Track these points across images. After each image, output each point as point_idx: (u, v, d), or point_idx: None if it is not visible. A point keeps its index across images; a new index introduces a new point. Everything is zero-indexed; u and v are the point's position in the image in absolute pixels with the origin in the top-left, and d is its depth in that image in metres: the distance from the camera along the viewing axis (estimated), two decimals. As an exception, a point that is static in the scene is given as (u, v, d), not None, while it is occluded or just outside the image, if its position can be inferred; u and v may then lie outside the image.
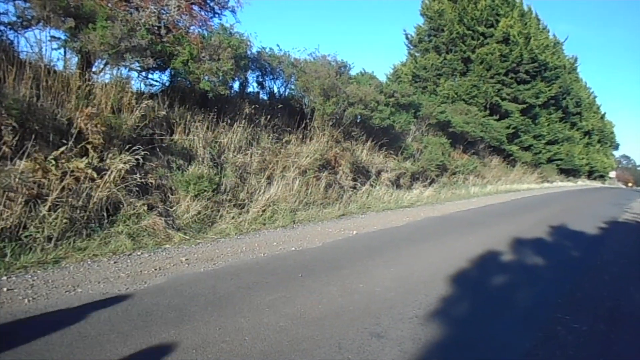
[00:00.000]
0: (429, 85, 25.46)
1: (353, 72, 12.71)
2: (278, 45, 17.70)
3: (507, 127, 25.06)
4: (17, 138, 5.44)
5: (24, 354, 2.96)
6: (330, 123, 10.78)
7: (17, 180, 5.20)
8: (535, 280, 6.12)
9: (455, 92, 24.63)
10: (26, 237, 5.07)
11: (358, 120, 12.15)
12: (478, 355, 3.64)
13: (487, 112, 24.64)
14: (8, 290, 4.05)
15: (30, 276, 4.44)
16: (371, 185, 11.93)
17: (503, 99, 25.36)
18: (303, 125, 10.54)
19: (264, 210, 8.21)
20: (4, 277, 4.34)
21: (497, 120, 24.65)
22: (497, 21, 25.31)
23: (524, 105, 26.18)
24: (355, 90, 11.08)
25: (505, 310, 4.78)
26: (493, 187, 20.48)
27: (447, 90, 24.79)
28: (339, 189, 10.64)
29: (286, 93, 10.96)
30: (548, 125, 30.32)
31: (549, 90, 27.57)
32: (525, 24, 27.30)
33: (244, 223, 7.56)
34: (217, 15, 8.77)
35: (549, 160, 31.81)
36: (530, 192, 22.63)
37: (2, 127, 5.35)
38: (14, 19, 6.74)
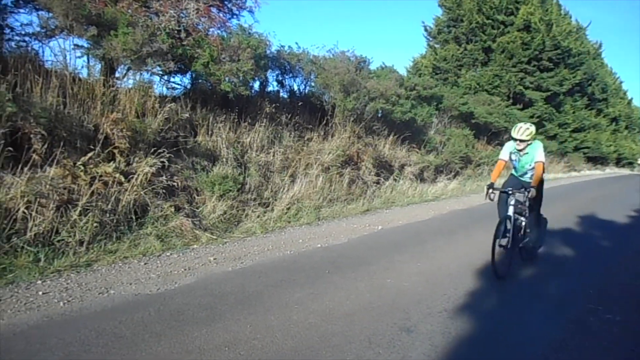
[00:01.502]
0: (450, 76, 25.14)
1: (372, 67, 12.66)
2: (297, 44, 17.73)
3: (531, 116, 24.55)
4: (46, 145, 5.57)
5: (62, 355, 3.04)
6: (352, 119, 10.74)
7: (47, 186, 5.33)
8: (565, 270, 6.00)
9: (477, 83, 24.26)
10: (59, 241, 5.19)
11: (379, 115, 12.08)
12: (509, 348, 3.59)
13: (511, 101, 24.19)
14: (43, 293, 4.16)
15: (64, 279, 4.54)
16: (394, 180, 11.85)
17: (526, 88, 24.90)
18: (324, 122, 10.53)
19: (288, 208, 8.24)
20: (39, 281, 4.45)
21: (521, 109, 24.21)
22: (517, 9, 24.82)
23: (548, 93, 25.65)
24: (376, 84, 11.02)
25: (535, 302, 4.70)
26: (519, 178, 20.07)
27: (468, 81, 24.44)
28: (362, 184, 10.60)
29: (306, 90, 10.96)
30: (573, 112, 29.64)
31: (574, 77, 26.95)
32: (546, 10, 26.73)
33: (269, 221, 7.60)
34: (235, 16, 8.85)
35: (576, 149, 31.10)
36: (557, 181, 22.16)
37: (32, 136, 5.49)
38: (38, 29, 6.91)
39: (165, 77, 8.26)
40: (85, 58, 7.05)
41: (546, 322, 4.14)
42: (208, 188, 7.25)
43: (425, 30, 27.92)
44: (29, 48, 6.67)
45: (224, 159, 7.97)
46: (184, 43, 7.47)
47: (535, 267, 5.99)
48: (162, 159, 6.52)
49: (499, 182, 6.15)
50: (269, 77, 10.04)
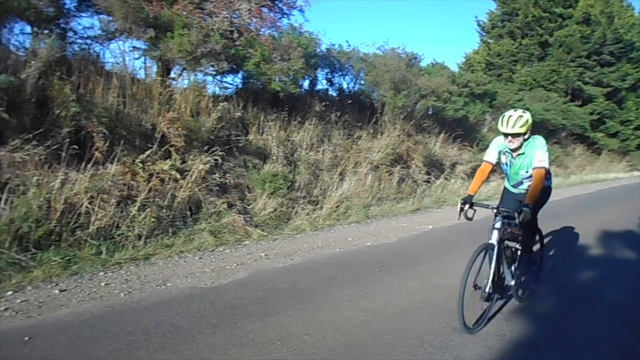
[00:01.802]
0: (504, 72, 24.32)
1: (423, 64, 12.46)
2: (347, 42, 17.66)
3: (591, 113, 23.40)
4: (107, 144, 5.84)
5: (124, 343, 3.17)
6: (402, 116, 10.62)
7: (109, 183, 5.59)
8: (627, 274, 5.69)
9: (533, 79, 23.36)
10: (119, 235, 5.42)
11: (430, 113, 11.88)
12: (566, 352, 3.45)
13: (569, 97, 23.14)
14: (106, 284, 4.36)
15: (124, 271, 4.75)
16: (445, 179, 11.63)
17: (586, 83, 23.72)
18: (374, 120, 10.47)
19: (337, 206, 8.25)
20: (101, 273, 4.67)
21: (580, 106, 23.11)
22: (576, 1, 23.70)
23: (609, 89, 24.30)
24: (427, 81, 10.85)
25: (595, 306, 4.49)
26: (577, 177, 19.26)
27: (524, 76, 23.57)
28: (412, 183, 10.47)
29: (355, 88, 10.94)
30: (637, 109, 27.93)
31: (637, 71, 25.44)
32: (607, 3, 25.35)
33: (318, 219, 7.64)
34: (285, 16, 8.93)
35: (639, 147, 29.36)
36: (618, 181, 21.04)
37: (94, 134, 5.76)
38: (99, 32, 7.25)
39: (218, 77, 8.46)
40: (142, 59, 7.35)
41: (606, 327, 3.96)
42: (259, 186, 7.37)
43: (479, 25, 27.15)
44: (91, 50, 7.01)
45: (275, 157, 8.07)
46: (237, 43, 7.62)
47: (595, 270, 5.71)
48: (215, 157, 6.68)
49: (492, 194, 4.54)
50: (318, 76, 10.10)
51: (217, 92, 8.32)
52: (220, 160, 6.85)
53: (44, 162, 5.30)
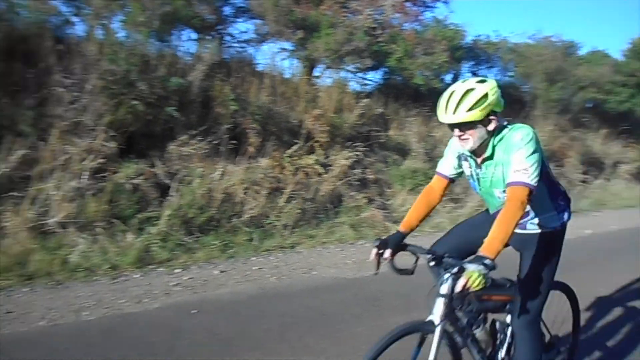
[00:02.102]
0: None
1: (582, 52, 11.33)
2: (495, 32, 16.75)
3: None
4: (259, 139, 6.30)
5: (276, 324, 3.39)
6: (555, 110, 9.78)
7: (260, 175, 6.03)
8: None
9: None
10: (267, 224, 5.82)
11: (589, 106, 10.77)
12: None
13: None
14: (258, 269, 4.71)
15: (273, 258, 5.09)
16: (606, 179, 10.45)
17: None
18: (523, 114, 9.80)
19: (481, 205, 7.87)
20: (253, 258, 5.06)
21: None
22: None
23: None
24: (586, 71, 9.86)
25: None
26: None
27: None
28: (566, 183, 9.59)
29: (502, 81, 10.33)
30: None
31: None
32: None
33: (459, 217, 7.36)
34: (429, 9, 8.81)
35: None
36: None
37: (249, 130, 6.25)
38: (253, 36, 7.85)
39: (359, 74, 8.63)
40: (289, 60, 7.80)
41: None
42: (398, 181, 7.36)
43: (648, 6, 23.88)
44: (245, 53, 7.63)
45: (414, 153, 7.98)
46: (379, 40, 7.69)
47: None
48: (356, 152, 6.83)
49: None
50: (462, 69, 9.75)
51: (359, 89, 8.48)
52: (361, 156, 6.98)
53: (206, 156, 5.91)
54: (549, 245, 2.15)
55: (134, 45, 5.84)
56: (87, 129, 5.24)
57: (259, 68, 7.49)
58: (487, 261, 1.67)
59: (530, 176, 1.83)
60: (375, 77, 9.01)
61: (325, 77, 8.03)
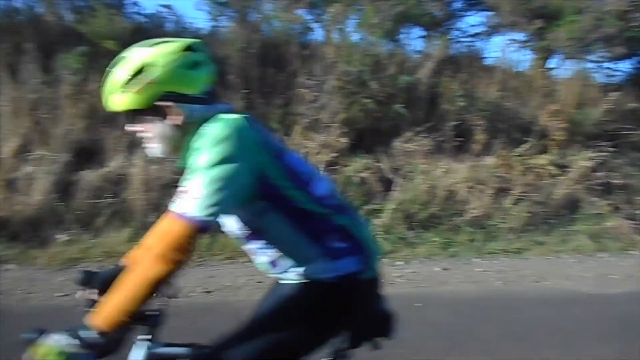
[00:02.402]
0: None
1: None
2: None
3: None
4: (486, 137, 6.03)
5: (503, 332, 3.19)
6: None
7: (485, 174, 5.77)
8: None
9: None
10: (491, 226, 5.54)
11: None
12: None
13: None
14: (481, 271, 4.53)
15: (497, 261, 4.83)
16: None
17: None
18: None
19: None
20: (475, 259, 4.89)
21: None
22: None
23: None
24: None
25: None
26: None
27: None
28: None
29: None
30: None
31: None
32: None
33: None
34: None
35: None
36: None
37: (476, 127, 6.03)
38: (482, 29, 7.53)
39: (607, 64, 7.53)
40: (521, 52, 7.24)
41: None
42: (652, 189, 6.22)
43: None
44: (474, 47, 7.36)
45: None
46: (634, 24, 6.60)
47: None
48: (600, 153, 6.01)
49: None
50: None
51: (606, 81, 7.42)
52: (606, 157, 6.11)
53: (430, 152, 5.92)
54: (305, 300, 1.20)
55: (367, 47, 6.17)
56: (324, 125, 5.77)
57: (488, 62, 7.16)
58: (83, 332, 0.97)
59: (200, 203, 1.00)
60: (626, 67, 7.76)
61: (563, 68, 7.25)
